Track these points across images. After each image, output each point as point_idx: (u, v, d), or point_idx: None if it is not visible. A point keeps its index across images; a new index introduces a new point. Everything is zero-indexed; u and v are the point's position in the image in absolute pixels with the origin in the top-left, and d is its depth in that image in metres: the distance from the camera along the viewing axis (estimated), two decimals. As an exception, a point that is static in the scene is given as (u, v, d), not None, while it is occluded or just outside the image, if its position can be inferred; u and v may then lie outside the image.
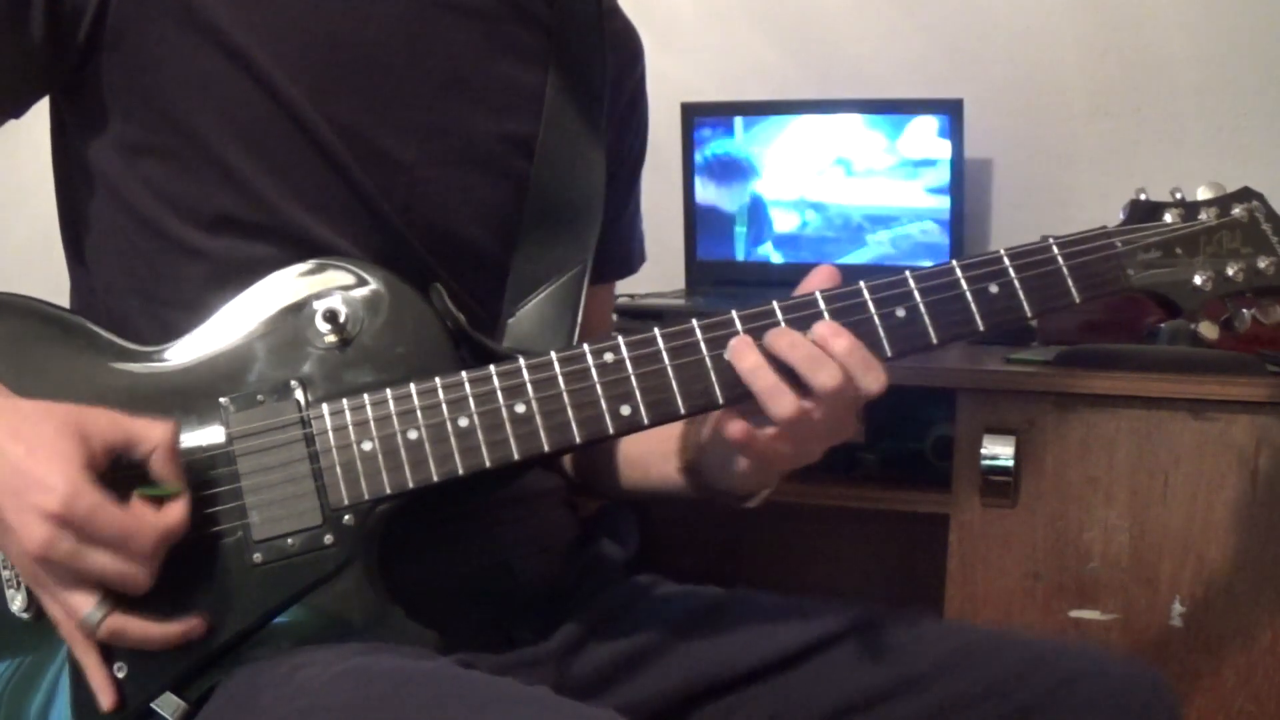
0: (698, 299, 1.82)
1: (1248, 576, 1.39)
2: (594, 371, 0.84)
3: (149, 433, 0.77)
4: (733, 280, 1.87)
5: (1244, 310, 0.91)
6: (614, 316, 1.48)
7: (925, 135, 1.76)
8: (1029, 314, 0.87)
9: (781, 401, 0.82)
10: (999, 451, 1.45)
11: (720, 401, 0.85)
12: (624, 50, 1.09)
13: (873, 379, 0.82)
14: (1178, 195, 0.92)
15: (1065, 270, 0.87)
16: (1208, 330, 0.90)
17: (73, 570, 0.74)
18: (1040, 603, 1.46)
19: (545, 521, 1.02)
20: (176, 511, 0.77)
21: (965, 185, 1.77)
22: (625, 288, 1.65)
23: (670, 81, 1.87)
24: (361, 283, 0.86)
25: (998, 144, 1.87)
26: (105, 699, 0.79)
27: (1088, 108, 1.85)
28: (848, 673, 0.94)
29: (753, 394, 0.83)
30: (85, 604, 0.75)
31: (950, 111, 1.74)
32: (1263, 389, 1.37)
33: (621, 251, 1.14)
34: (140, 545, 0.74)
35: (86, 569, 0.74)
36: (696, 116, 1.86)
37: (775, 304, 0.85)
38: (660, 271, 1.86)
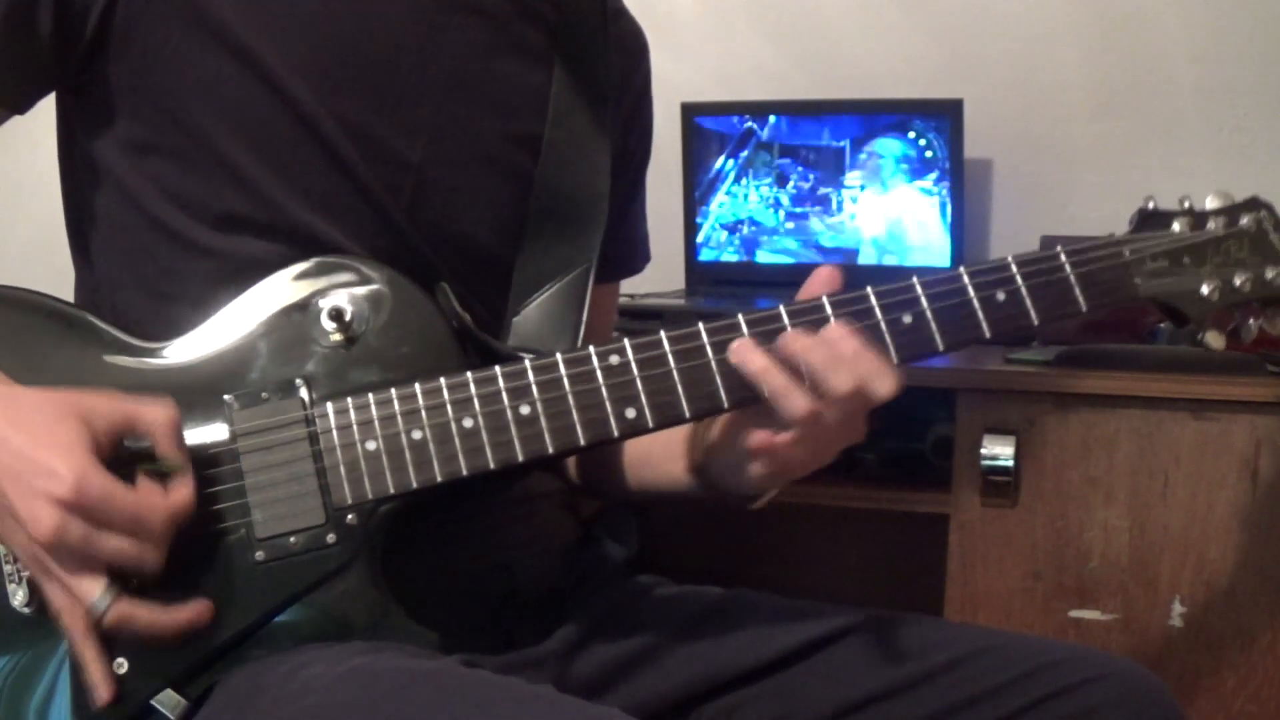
0: (698, 299, 1.82)
1: (1248, 576, 1.40)
2: (599, 374, 0.84)
3: (149, 412, 0.78)
4: (732, 281, 1.87)
5: (1250, 320, 0.91)
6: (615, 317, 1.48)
7: (925, 135, 1.76)
8: (1035, 322, 0.87)
9: (795, 401, 0.81)
10: (999, 451, 1.46)
11: (725, 405, 0.84)
12: (629, 52, 1.09)
13: (883, 383, 0.82)
14: (1186, 204, 0.91)
15: (1073, 279, 0.87)
16: (1214, 340, 0.89)
17: (83, 555, 0.74)
18: (1040, 603, 1.46)
19: (545, 522, 1.01)
20: (183, 490, 0.77)
21: (965, 185, 1.77)
22: (625, 287, 1.64)
23: (670, 81, 1.86)
24: (367, 282, 0.86)
25: (998, 144, 1.87)
26: (103, 692, 0.78)
27: (1088, 108, 1.85)
28: (849, 672, 0.94)
29: (762, 396, 0.82)
30: (93, 590, 0.75)
31: (950, 111, 1.74)
32: (1263, 389, 1.38)
33: (625, 251, 1.14)
34: (152, 527, 0.74)
35: (98, 553, 0.74)
36: (696, 116, 1.86)
37: (782, 308, 0.85)
38: (660, 272, 1.86)
